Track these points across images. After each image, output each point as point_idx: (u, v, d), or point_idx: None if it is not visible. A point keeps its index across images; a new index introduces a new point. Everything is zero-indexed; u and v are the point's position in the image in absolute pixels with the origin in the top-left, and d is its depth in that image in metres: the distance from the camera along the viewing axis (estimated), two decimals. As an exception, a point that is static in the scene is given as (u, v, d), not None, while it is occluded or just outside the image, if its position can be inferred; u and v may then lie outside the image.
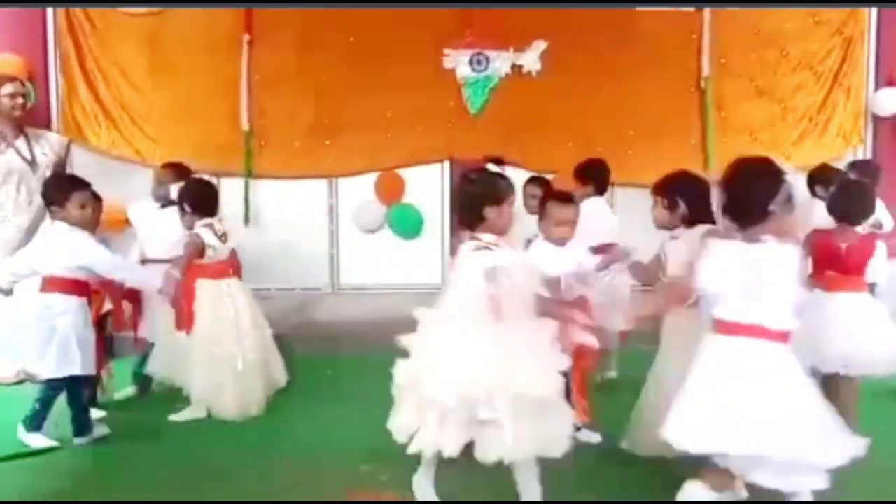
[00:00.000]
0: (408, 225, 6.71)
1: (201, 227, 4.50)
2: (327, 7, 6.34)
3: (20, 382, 4.69)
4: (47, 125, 6.11)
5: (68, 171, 5.76)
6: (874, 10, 6.64)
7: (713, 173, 6.05)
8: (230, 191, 6.57)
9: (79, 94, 6.40)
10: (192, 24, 6.44)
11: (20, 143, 5.42)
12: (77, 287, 3.96)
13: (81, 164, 5.97)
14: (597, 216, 4.70)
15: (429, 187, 6.73)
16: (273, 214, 6.68)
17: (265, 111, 6.55)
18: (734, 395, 2.73)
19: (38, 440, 3.91)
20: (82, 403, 4.03)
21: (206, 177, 4.91)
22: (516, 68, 6.59)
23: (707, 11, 6.56)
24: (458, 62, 6.59)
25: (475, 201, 3.07)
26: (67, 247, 3.94)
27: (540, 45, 6.54)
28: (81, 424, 4.01)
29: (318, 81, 6.52)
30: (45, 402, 3.95)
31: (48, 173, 5.46)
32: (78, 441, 3.99)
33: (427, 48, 6.54)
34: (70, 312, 3.91)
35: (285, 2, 6.40)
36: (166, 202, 4.81)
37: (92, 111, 6.42)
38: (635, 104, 6.52)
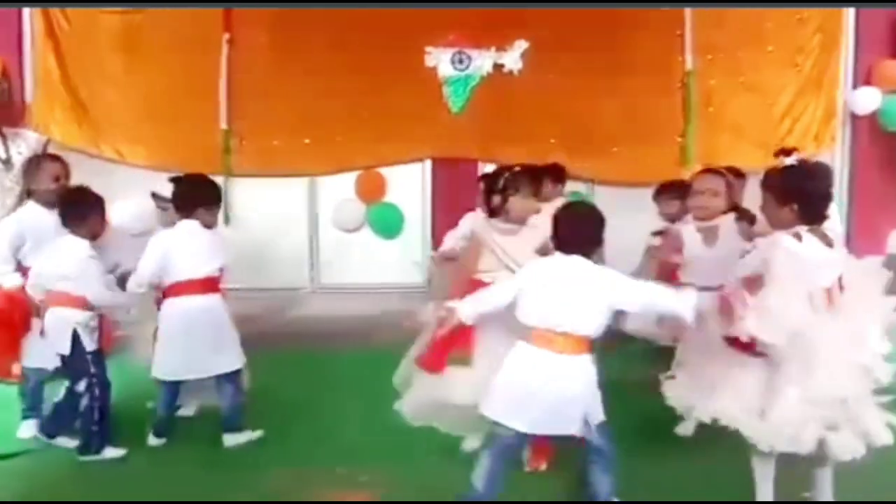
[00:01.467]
0: (388, 224, 6.68)
1: None
2: (310, 7, 6.29)
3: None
4: (20, 123, 6.03)
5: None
6: (852, 9, 6.68)
7: (691, 168, 6.08)
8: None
9: (57, 92, 6.33)
10: (172, 23, 6.39)
11: (-5, 141, 5.36)
12: (218, 285, 3.99)
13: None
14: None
15: (409, 186, 6.70)
16: (252, 213, 6.64)
17: (245, 110, 6.50)
18: None
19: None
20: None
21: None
22: (498, 67, 6.57)
23: (688, 10, 6.56)
24: (440, 60, 6.57)
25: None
26: (216, 247, 3.96)
27: (521, 44, 6.53)
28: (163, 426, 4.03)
29: (298, 80, 6.47)
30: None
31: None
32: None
33: (408, 46, 6.51)
34: (223, 310, 3.98)
35: (268, 1, 6.36)
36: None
37: (71, 110, 6.36)
38: (619, 102, 6.51)
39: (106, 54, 6.42)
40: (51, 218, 3.97)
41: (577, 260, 3.01)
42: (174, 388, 4.02)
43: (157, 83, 6.41)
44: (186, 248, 3.89)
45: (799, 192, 3.01)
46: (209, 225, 3.98)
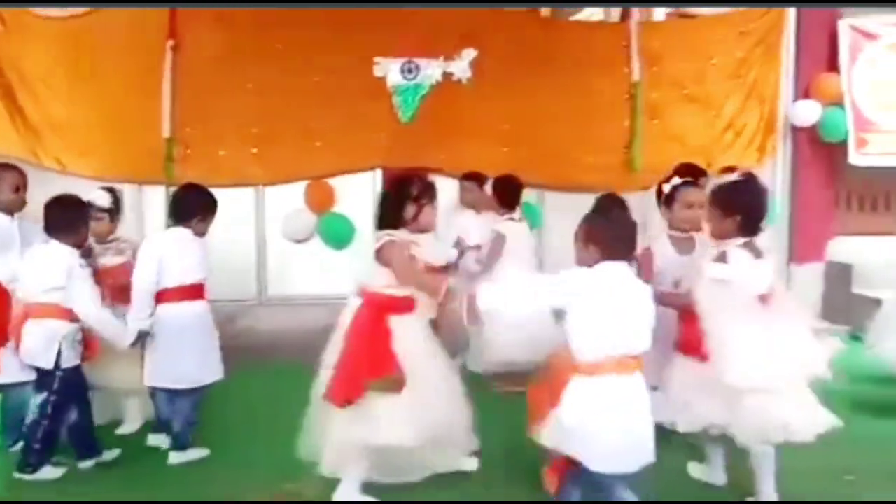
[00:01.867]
0: (339, 234, 6.61)
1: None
2: (271, 7, 6.19)
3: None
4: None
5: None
6: (793, 22, 6.85)
7: (638, 177, 6.13)
8: (155, 200, 6.40)
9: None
10: (116, 28, 6.22)
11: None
12: (204, 293, 4.03)
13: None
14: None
15: (360, 196, 6.64)
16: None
17: (190, 118, 6.33)
18: None
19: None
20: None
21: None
22: (447, 76, 6.56)
23: (633, 22, 6.65)
24: (389, 70, 6.53)
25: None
26: (205, 256, 4.02)
27: (470, 53, 6.54)
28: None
29: (245, 88, 6.33)
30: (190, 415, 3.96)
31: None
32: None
33: (357, 56, 6.45)
34: (210, 318, 4.03)
35: (218, 1, 6.25)
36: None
37: (9, 116, 6.15)
38: (567, 111, 6.55)
39: (46, 58, 6.20)
40: (10, 224, 3.94)
41: (624, 268, 2.86)
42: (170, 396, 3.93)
43: (100, 90, 6.21)
44: (179, 254, 3.87)
45: (742, 206, 3.22)
46: (201, 233, 4.00)
